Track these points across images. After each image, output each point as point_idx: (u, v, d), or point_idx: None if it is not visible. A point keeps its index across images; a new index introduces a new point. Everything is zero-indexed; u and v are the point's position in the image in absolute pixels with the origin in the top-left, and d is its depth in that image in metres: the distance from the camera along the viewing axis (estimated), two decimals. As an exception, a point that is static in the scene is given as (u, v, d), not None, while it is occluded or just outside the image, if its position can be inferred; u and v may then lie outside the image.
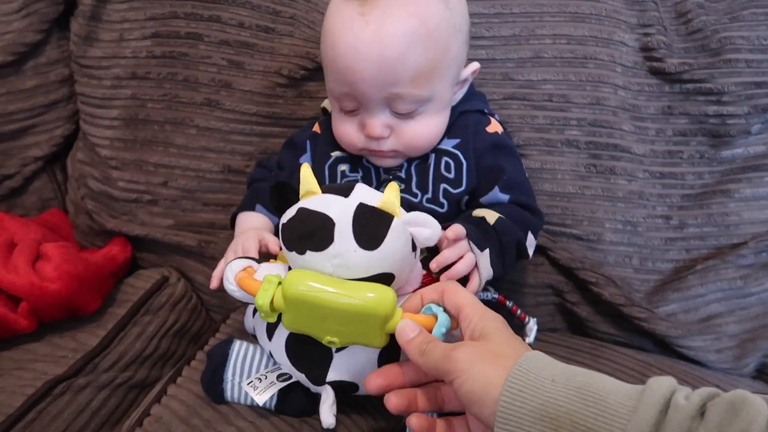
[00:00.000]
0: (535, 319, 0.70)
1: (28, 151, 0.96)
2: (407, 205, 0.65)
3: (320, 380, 0.55)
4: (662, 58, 0.79)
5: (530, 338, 0.69)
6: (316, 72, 0.84)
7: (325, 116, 0.72)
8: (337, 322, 0.48)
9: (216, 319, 0.92)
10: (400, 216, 0.49)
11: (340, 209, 0.48)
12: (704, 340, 0.76)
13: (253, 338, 0.65)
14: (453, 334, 0.50)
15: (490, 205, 0.65)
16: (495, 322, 0.47)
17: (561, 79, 0.80)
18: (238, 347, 0.61)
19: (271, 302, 0.49)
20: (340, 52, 0.59)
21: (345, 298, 0.46)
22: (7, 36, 0.92)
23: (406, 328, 0.48)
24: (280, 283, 0.49)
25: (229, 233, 0.87)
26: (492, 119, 0.70)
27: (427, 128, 0.63)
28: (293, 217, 0.49)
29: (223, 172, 0.87)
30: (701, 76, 0.78)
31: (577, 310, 0.80)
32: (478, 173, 0.66)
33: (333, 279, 0.47)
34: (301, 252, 0.48)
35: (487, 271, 0.60)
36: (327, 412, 0.55)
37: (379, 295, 0.47)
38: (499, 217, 0.62)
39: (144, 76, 0.89)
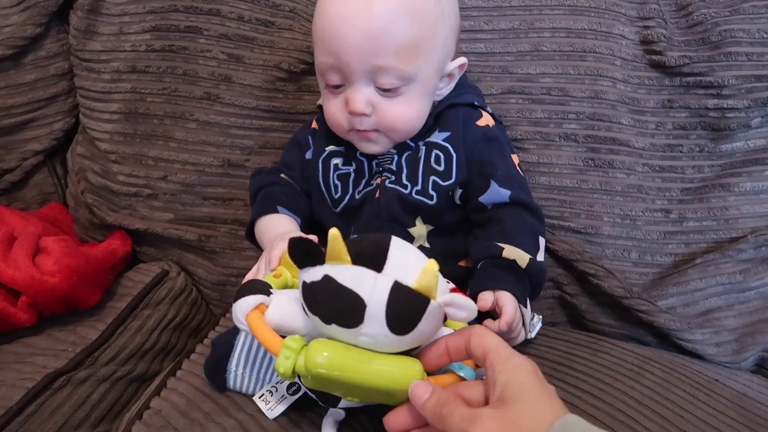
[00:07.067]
0: (540, 317, 0.70)
1: (28, 145, 0.96)
2: (397, 196, 0.66)
3: (333, 404, 0.55)
4: (662, 51, 0.79)
5: (532, 334, 0.69)
6: (315, 66, 0.84)
7: (322, 113, 0.73)
8: (362, 391, 0.47)
9: (216, 313, 0.92)
10: (437, 298, 0.45)
11: (372, 288, 0.44)
12: (703, 334, 0.76)
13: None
14: (481, 376, 0.48)
15: (494, 207, 0.65)
16: (521, 373, 0.42)
17: (560, 72, 0.80)
18: (244, 339, 0.61)
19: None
20: (329, 21, 0.62)
21: (372, 376, 0.45)
22: (6, 29, 0.92)
23: (418, 390, 0.45)
24: (303, 346, 0.46)
25: (229, 227, 0.88)
26: (484, 113, 0.70)
27: (408, 110, 0.64)
28: (319, 283, 0.45)
29: (222, 166, 0.87)
30: (701, 69, 0.78)
31: (577, 302, 0.80)
32: (469, 167, 0.67)
33: (359, 353, 0.45)
34: (326, 322, 0.45)
35: (528, 316, 0.63)
36: (330, 427, 0.55)
37: (407, 372, 0.46)
38: (531, 259, 0.63)
39: (144, 69, 0.89)
